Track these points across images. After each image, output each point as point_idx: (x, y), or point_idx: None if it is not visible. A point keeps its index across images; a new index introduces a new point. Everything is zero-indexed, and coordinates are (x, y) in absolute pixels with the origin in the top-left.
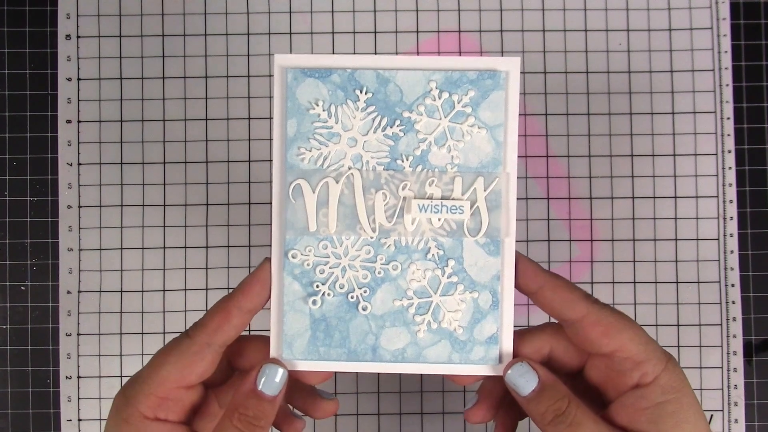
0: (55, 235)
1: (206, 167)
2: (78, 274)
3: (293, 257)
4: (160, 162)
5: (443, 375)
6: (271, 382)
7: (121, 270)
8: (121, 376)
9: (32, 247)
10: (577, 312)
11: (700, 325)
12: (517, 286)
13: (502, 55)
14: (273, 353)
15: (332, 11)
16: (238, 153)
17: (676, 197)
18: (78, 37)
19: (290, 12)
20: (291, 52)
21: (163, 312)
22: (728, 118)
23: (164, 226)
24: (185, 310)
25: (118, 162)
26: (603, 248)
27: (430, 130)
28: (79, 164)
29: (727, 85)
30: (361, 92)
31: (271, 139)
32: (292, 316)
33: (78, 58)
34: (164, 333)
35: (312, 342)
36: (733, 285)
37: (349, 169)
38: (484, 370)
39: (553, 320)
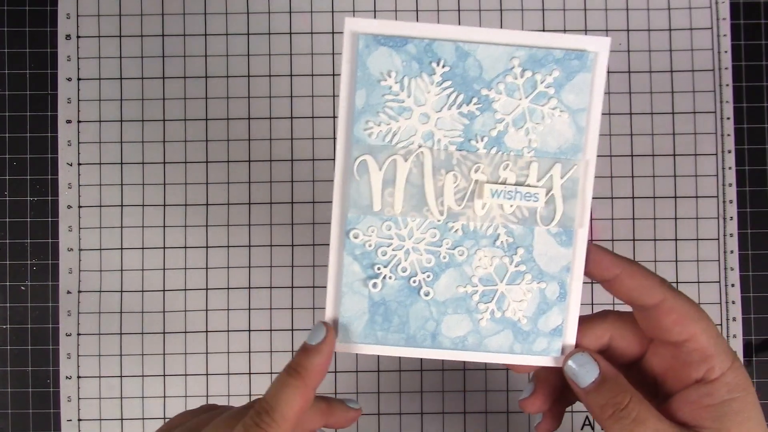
0: (55, 235)
1: (206, 167)
2: (78, 274)
3: (354, 237)
4: (160, 162)
5: (504, 364)
6: (315, 336)
7: (121, 270)
8: (121, 377)
9: (32, 247)
10: (654, 298)
11: None
12: (590, 274)
13: None
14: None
15: (332, 11)
16: (238, 153)
17: (676, 197)
18: (78, 37)
19: (290, 12)
20: (291, 52)
21: (163, 312)
22: (728, 118)
23: (164, 226)
24: (185, 310)
25: (118, 162)
26: None
27: (508, 110)
28: (79, 164)
29: (727, 85)
30: (437, 65)
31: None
32: (350, 297)
33: (78, 58)
34: (164, 333)
35: (369, 325)
36: (733, 285)
37: (420, 147)
38: (545, 362)
39: (615, 308)
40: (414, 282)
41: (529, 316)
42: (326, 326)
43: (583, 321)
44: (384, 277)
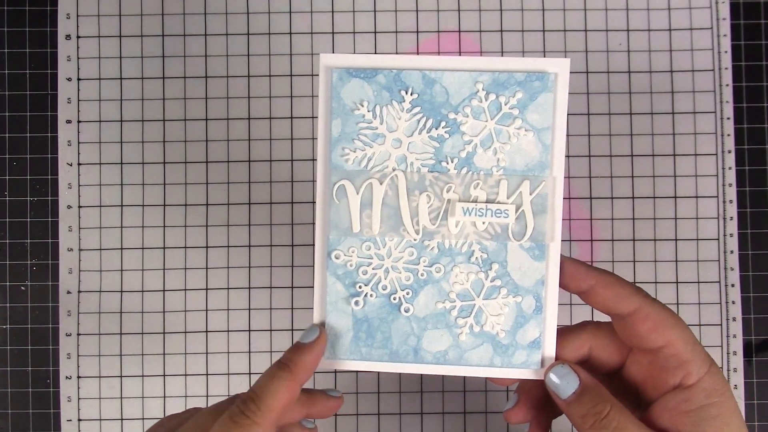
0: (55, 235)
1: (206, 167)
2: (78, 274)
3: (336, 258)
4: (160, 162)
5: (484, 377)
6: (308, 336)
7: (121, 270)
8: (121, 376)
9: (32, 247)
10: (630, 306)
11: (700, 325)
12: (565, 286)
13: (502, 55)
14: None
15: (332, 11)
16: (237, 153)
17: (676, 197)
18: (78, 37)
19: (290, 12)
20: (291, 52)
21: (163, 312)
22: (728, 118)
23: (164, 226)
24: (185, 310)
25: (118, 162)
26: (603, 248)
27: (476, 132)
28: (79, 164)
29: (727, 85)
30: (406, 93)
31: (314, 139)
32: (335, 315)
33: (78, 58)
34: (164, 333)
35: (354, 342)
36: (733, 285)
37: (394, 170)
38: (525, 374)
39: (592, 318)
40: (394, 299)
41: (507, 329)
42: (320, 328)
43: (563, 332)
44: (366, 295)
